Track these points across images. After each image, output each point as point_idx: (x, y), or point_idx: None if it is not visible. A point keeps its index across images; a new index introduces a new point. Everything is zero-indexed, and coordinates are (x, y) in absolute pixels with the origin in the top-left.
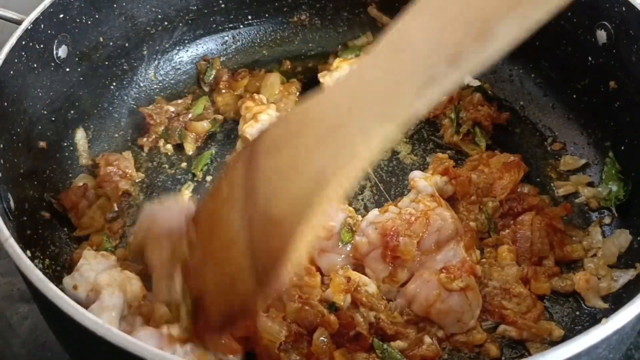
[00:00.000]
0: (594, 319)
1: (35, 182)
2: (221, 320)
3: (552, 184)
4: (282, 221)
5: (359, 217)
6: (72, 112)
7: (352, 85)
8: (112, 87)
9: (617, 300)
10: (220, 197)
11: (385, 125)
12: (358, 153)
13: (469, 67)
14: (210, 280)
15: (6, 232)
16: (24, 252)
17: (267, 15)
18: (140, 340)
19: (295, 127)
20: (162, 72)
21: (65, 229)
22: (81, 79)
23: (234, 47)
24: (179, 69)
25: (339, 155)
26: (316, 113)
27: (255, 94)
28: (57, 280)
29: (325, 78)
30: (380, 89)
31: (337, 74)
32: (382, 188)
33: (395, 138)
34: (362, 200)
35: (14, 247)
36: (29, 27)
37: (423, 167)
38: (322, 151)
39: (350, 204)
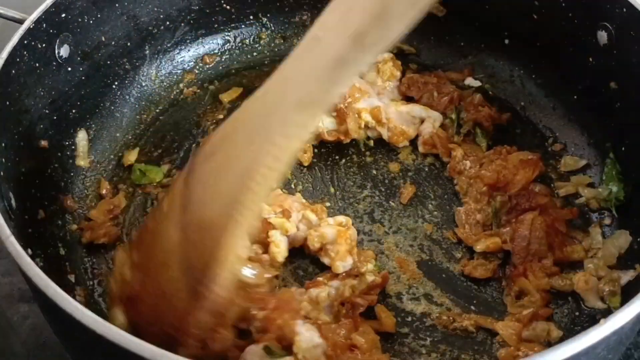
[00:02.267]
0: (593, 319)
1: (37, 181)
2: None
3: (552, 185)
4: (214, 224)
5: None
6: (73, 111)
7: (275, 82)
8: (114, 86)
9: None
10: (160, 214)
11: (303, 114)
12: (279, 145)
13: (373, 48)
14: (149, 304)
15: (7, 231)
16: (25, 250)
17: (268, 15)
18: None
19: (229, 130)
20: (163, 71)
21: (67, 229)
22: (83, 78)
23: (235, 46)
24: (180, 68)
25: (261, 150)
26: (245, 114)
27: None
28: (58, 279)
29: None
30: (296, 79)
31: None
32: (380, 190)
33: (314, 126)
34: (363, 200)
35: (14, 245)
36: (31, 27)
37: None
38: (248, 149)
39: (350, 205)
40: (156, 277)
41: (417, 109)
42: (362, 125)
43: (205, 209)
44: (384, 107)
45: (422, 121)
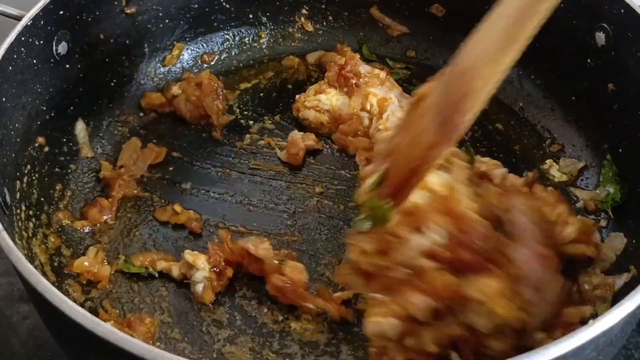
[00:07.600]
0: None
1: (33, 177)
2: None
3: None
4: (468, 69)
5: None
6: (71, 108)
7: None
8: (112, 84)
9: (613, 303)
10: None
11: None
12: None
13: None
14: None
15: None
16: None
17: (268, 13)
18: None
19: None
20: (162, 70)
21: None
22: (81, 75)
23: (235, 45)
24: (179, 67)
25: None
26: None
27: None
28: (53, 275)
29: None
30: None
31: None
32: None
33: None
34: None
35: (6, 240)
36: (29, 23)
37: None
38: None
39: None
40: (411, 128)
41: None
42: (367, 107)
43: (463, 59)
44: (394, 102)
45: None
